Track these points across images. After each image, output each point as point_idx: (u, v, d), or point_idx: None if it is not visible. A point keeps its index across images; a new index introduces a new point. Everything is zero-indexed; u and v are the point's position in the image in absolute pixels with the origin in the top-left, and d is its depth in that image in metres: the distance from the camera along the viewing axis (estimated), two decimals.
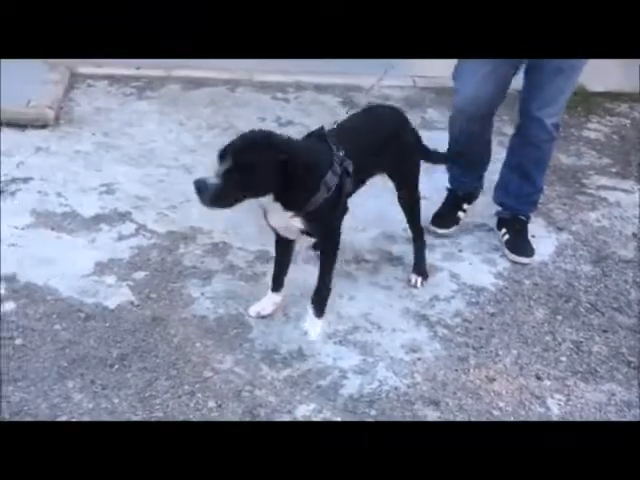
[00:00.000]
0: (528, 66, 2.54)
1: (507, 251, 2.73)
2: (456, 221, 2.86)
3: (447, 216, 2.86)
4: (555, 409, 2.04)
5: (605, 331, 2.37)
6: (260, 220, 2.91)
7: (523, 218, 2.80)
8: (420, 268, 2.57)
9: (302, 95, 4.29)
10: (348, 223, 2.87)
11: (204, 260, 2.66)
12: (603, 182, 3.44)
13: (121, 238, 2.73)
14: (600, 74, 4.26)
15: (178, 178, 3.24)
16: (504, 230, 2.79)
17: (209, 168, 3.19)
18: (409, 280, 2.56)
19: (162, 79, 4.17)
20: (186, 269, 2.60)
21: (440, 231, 2.82)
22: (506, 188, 2.80)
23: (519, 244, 2.74)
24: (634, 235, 2.97)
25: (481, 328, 2.37)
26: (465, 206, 2.87)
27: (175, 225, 2.85)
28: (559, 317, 2.44)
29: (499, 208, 2.86)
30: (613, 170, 3.58)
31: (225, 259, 2.69)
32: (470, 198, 2.90)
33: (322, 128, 2.24)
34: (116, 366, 2.13)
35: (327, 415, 2.01)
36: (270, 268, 2.61)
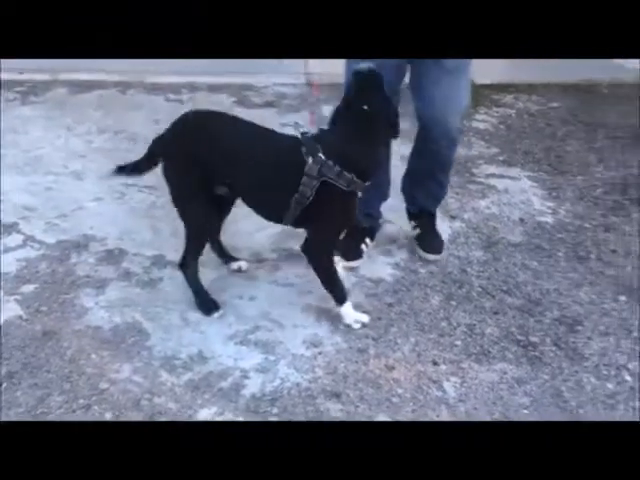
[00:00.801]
0: (419, 69, 2.45)
1: (417, 248, 2.77)
2: (360, 254, 2.71)
3: (352, 248, 2.70)
4: (451, 392, 2.11)
5: (496, 313, 2.46)
6: (156, 224, 2.87)
7: (430, 211, 2.84)
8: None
9: (196, 96, 4.24)
10: (247, 223, 2.88)
11: (98, 268, 2.59)
12: (492, 170, 3.58)
13: (7, 250, 2.62)
14: (486, 67, 4.42)
15: (68, 185, 3.14)
16: (414, 223, 2.83)
17: (101, 173, 3.12)
18: None
19: (48, 83, 4.02)
20: (79, 279, 2.51)
21: (344, 264, 2.62)
22: (414, 190, 2.80)
23: (428, 240, 2.77)
24: (521, 220, 3.10)
25: (380, 318, 2.42)
26: (368, 240, 2.75)
27: (66, 234, 2.76)
28: (453, 303, 2.51)
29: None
30: (500, 159, 3.73)
31: (120, 266, 2.62)
32: (373, 232, 2.80)
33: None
34: (4, 385, 2.03)
35: (229, 417, 1.99)
36: (167, 273, 2.57)
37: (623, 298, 2.58)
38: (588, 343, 2.33)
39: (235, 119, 2.30)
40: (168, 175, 2.29)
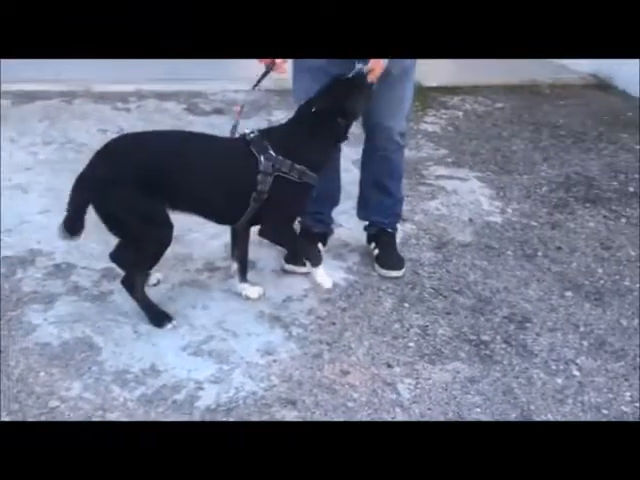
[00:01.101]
0: None
1: (377, 266, 2.73)
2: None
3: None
4: (406, 394, 2.13)
5: (448, 313, 2.50)
6: (104, 236, 2.83)
7: (390, 231, 2.80)
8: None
9: (144, 104, 4.21)
10: (200, 232, 2.86)
11: (45, 284, 2.54)
12: (441, 172, 3.64)
13: None
14: (433, 70, 4.52)
15: (13, 199, 3.07)
16: (373, 244, 2.80)
17: (48, 186, 3.05)
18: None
19: None
20: (25, 295, 2.46)
21: (288, 267, 2.68)
22: (367, 204, 2.77)
23: (389, 258, 2.74)
24: (470, 220, 3.16)
25: (334, 323, 2.43)
26: (320, 246, 2.72)
27: (11, 250, 2.70)
28: (406, 304, 2.54)
29: (365, 223, 2.84)
30: (449, 160, 3.80)
31: (69, 280, 2.58)
32: (325, 238, 2.81)
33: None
34: None
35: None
36: (117, 285, 2.53)
37: (569, 294, 2.64)
38: (537, 339, 2.38)
39: (168, 133, 2.33)
40: (107, 208, 2.20)
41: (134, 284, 2.35)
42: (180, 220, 2.96)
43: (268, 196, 2.24)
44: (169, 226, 2.27)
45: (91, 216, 2.93)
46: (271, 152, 2.22)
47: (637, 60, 4.83)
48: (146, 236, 2.24)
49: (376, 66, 2.30)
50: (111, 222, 2.24)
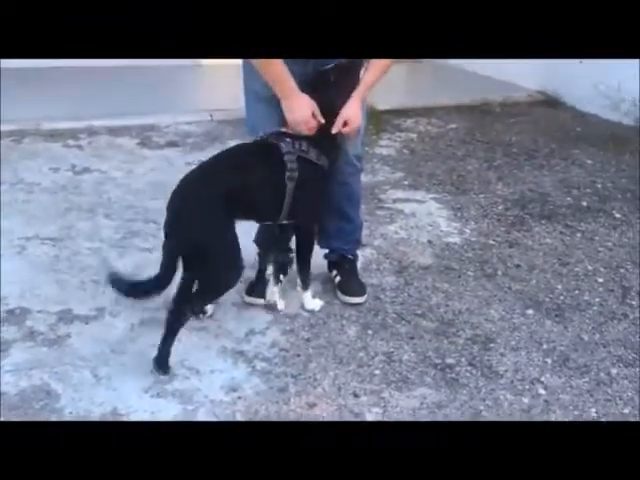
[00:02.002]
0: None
1: (339, 293, 2.71)
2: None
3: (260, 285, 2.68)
4: None
5: (412, 338, 2.49)
6: (60, 277, 2.76)
7: (351, 257, 2.79)
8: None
9: (96, 140, 4.16)
10: (156, 268, 2.81)
11: None
12: (398, 195, 3.66)
13: None
14: (386, 93, 4.56)
15: None
16: (335, 272, 2.78)
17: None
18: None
19: None
20: None
21: (249, 299, 2.66)
22: (327, 231, 2.73)
23: (350, 285, 2.72)
24: (429, 242, 3.18)
25: (298, 355, 2.40)
26: (281, 276, 2.71)
27: None
28: (370, 331, 2.53)
29: (325, 250, 2.82)
30: (406, 183, 3.82)
31: (24, 325, 2.49)
32: (285, 267, 2.76)
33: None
34: None
35: None
36: (75, 328, 2.48)
37: (530, 312, 2.67)
38: (501, 360, 2.39)
39: (218, 156, 2.40)
40: (195, 238, 2.21)
41: (184, 319, 2.29)
42: (137, 257, 2.94)
43: (298, 182, 2.33)
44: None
45: (46, 259, 2.89)
46: (287, 139, 2.35)
47: (584, 75, 4.98)
48: (227, 255, 2.26)
49: (353, 121, 2.39)
50: (197, 253, 2.22)
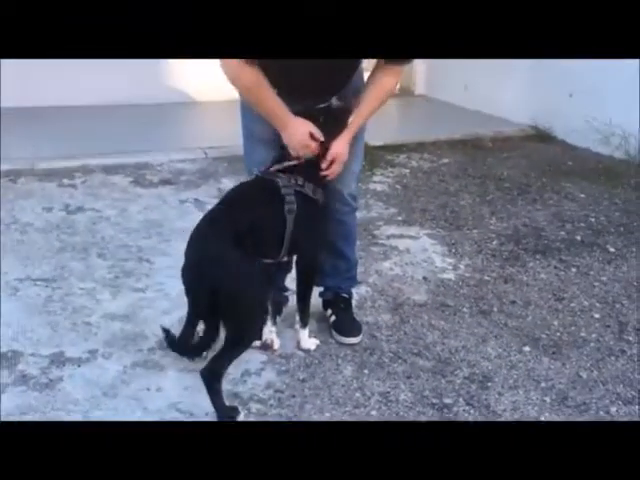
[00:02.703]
0: None
1: (335, 333, 2.69)
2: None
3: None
4: None
5: (409, 377, 2.47)
6: (53, 319, 2.74)
7: (346, 296, 2.77)
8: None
9: (90, 179, 4.16)
10: (152, 309, 2.80)
11: None
12: (392, 231, 3.66)
13: None
14: (378, 129, 4.59)
15: None
16: (330, 311, 2.76)
17: None
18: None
19: None
20: None
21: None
22: (322, 269, 2.70)
23: (346, 324, 2.70)
24: (424, 279, 3.17)
25: (293, 396, 2.37)
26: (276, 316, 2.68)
27: None
28: (366, 371, 2.50)
29: (320, 289, 2.80)
30: (399, 218, 3.83)
31: (15, 370, 2.46)
32: (280, 307, 2.74)
33: None
34: None
35: None
36: (67, 370, 2.45)
37: (527, 349, 2.65)
38: (499, 399, 2.36)
39: (225, 197, 2.43)
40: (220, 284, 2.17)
41: (220, 377, 2.23)
42: (130, 297, 2.92)
43: (297, 216, 2.33)
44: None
45: (38, 301, 2.87)
46: (282, 175, 2.37)
47: (574, 109, 5.04)
48: (250, 299, 2.23)
49: (340, 158, 2.39)
50: (222, 299, 2.17)
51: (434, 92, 6.72)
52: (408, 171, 4.57)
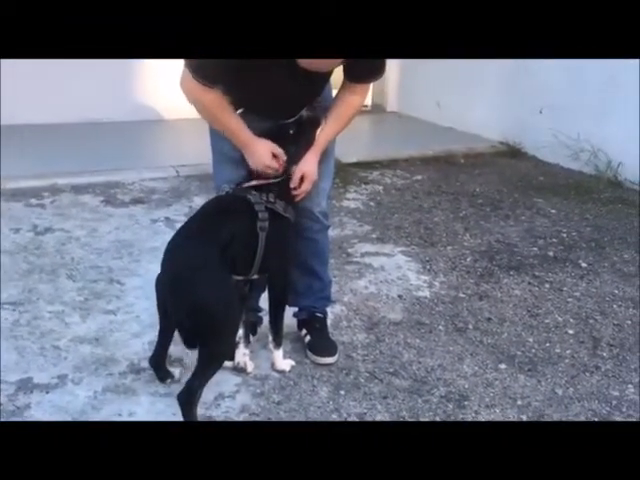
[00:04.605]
0: None
1: (310, 353, 2.66)
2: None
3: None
4: None
5: (385, 397, 2.44)
6: (20, 344, 2.66)
7: (321, 315, 2.75)
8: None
9: (59, 198, 4.09)
10: (121, 332, 2.74)
11: None
12: (366, 249, 3.64)
13: None
14: (351, 146, 4.60)
15: None
16: (304, 331, 2.73)
17: None
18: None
19: None
20: None
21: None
22: (295, 289, 2.67)
23: (321, 344, 2.67)
24: (400, 297, 3.15)
25: (269, 419, 2.33)
26: (250, 336, 2.65)
27: None
28: (342, 392, 2.47)
29: (295, 309, 2.77)
30: (374, 236, 3.82)
31: None
32: (254, 327, 2.72)
33: None
34: None
35: None
36: (34, 398, 2.38)
37: (503, 366, 2.64)
38: (476, 418, 2.35)
39: (196, 214, 2.42)
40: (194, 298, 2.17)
41: (197, 398, 2.21)
42: (100, 320, 2.86)
43: (268, 232, 2.32)
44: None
45: (5, 325, 2.78)
46: (253, 191, 2.36)
47: (544, 125, 5.10)
48: (228, 315, 2.22)
49: (309, 176, 2.39)
50: (198, 315, 2.17)
51: (406, 109, 6.75)
52: (382, 188, 4.57)
